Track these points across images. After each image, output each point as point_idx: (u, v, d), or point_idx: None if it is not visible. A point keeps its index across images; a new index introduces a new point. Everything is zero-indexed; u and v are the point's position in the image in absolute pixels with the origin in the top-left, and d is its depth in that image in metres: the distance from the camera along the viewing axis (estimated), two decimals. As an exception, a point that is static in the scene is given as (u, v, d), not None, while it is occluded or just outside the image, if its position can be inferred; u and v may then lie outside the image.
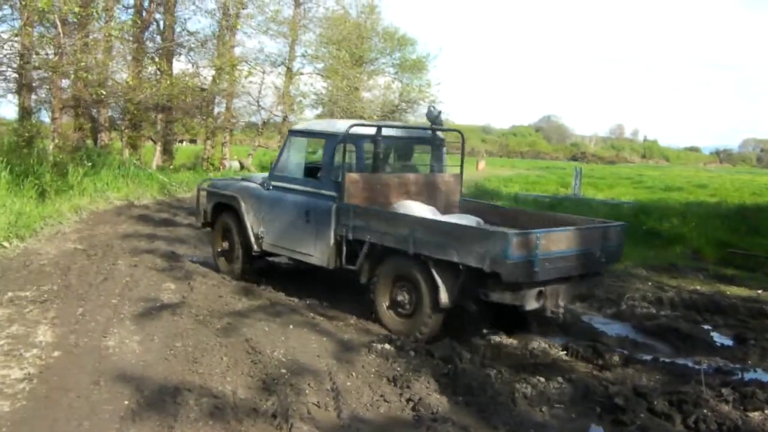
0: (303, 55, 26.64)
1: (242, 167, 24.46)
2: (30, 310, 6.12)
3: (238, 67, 23.05)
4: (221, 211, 8.30)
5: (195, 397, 4.36)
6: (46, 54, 15.15)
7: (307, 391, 4.54)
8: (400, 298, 6.31)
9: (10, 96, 18.63)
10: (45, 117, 20.09)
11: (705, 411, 4.51)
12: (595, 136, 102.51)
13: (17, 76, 16.93)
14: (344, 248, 6.74)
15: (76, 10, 12.98)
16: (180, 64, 23.90)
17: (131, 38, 20.24)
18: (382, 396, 4.59)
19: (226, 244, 8.24)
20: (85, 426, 3.96)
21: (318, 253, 6.98)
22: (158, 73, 20.88)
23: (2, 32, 15.29)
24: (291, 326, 6.05)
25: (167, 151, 24.01)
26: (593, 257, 6.18)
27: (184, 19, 22.84)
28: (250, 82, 23.99)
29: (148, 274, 7.70)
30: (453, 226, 6.16)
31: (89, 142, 20.93)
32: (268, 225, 7.59)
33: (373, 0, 28.38)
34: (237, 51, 24.40)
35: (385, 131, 7.27)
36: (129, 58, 20.60)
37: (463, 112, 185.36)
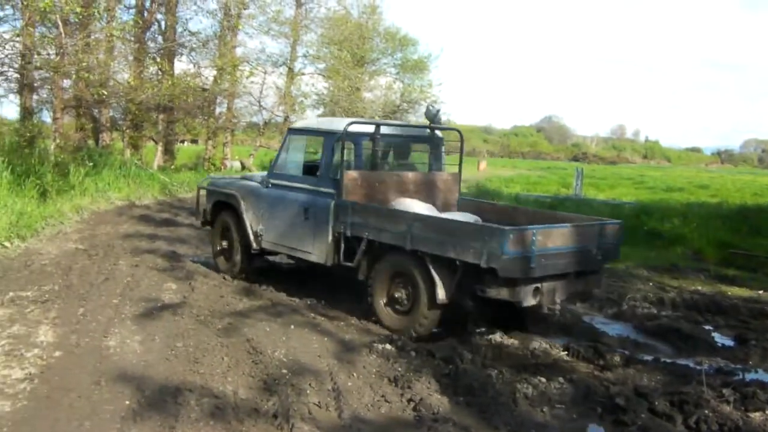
0: (304, 56, 26.71)
1: (243, 167, 24.45)
2: (31, 310, 6.13)
3: (240, 68, 23.10)
4: (221, 210, 8.31)
5: (196, 397, 4.36)
6: (48, 54, 15.16)
7: (308, 392, 4.54)
8: (397, 294, 6.34)
9: (11, 96, 18.73)
10: (46, 117, 20.20)
11: (706, 411, 4.51)
12: (596, 136, 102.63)
13: (19, 76, 16.95)
14: (342, 245, 6.77)
15: (78, 10, 13.01)
16: (181, 65, 24.03)
17: (133, 38, 20.28)
18: (383, 396, 4.59)
19: (225, 243, 8.24)
20: (86, 426, 3.96)
21: (316, 250, 7.00)
22: (160, 73, 20.91)
23: (4, 32, 15.31)
24: (292, 326, 6.05)
25: (168, 152, 24.03)
26: (590, 255, 6.20)
27: (186, 20, 23.00)
28: (252, 82, 24.07)
29: (149, 274, 7.71)
30: (450, 221, 6.20)
31: (90, 142, 20.98)
32: (267, 222, 7.60)
33: (374, 0, 28.46)
34: (238, 51, 24.48)
35: (383, 129, 7.32)
36: (130, 58, 20.66)
37: (464, 113, 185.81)
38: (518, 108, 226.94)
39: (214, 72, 22.50)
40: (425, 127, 7.84)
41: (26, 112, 18.35)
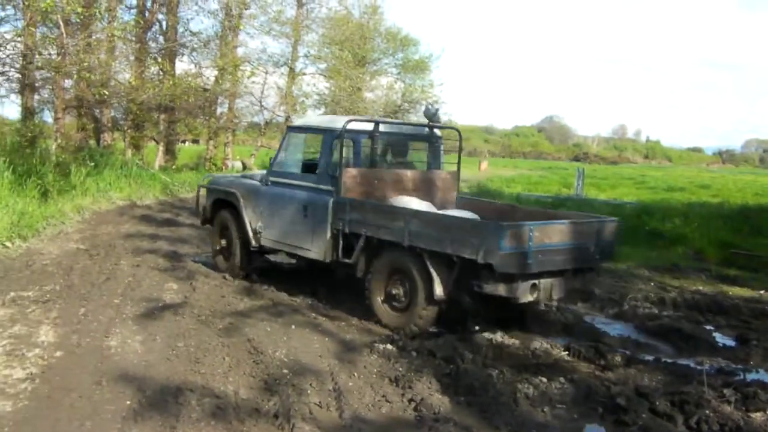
0: (306, 56, 26.72)
1: (245, 167, 24.45)
2: (32, 310, 6.14)
3: (241, 68, 23.11)
4: (220, 208, 8.32)
5: (197, 397, 4.36)
6: (49, 54, 15.17)
7: (309, 392, 4.54)
8: (395, 291, 6.36)
9: (13, 96, 18.71)
10: (48, 117, 20.20)
11: (707, 411, 4.50)
12: (597, 136, 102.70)
13: (20, 76, 16.94)
14: (341, 242, 6.79)
15: (79, 10, 13.04)
16: (183, 65, 24.08)
17: (134, 38, 20.30)
18: (384, 396, 4.60)
19: (224, 242, 8.24)
20: (87, 426, 3.97)
21: (315, 247, 7.01)
22: (161, 73, 20.94)
23: (5, 32, 15.36)
24: (293, 326, 6.06)
25: (170, 152, 24.05)
26: (587, 252, 6.21)
27: (187, 20, 23.00)
28: (253, 82, 24.10)
29: (150, 274, 7.71)
30: (447, 217, 6.22)
31: (92, 142, 21.01)
32: (266, 220, 7.61)
33: (375, 0, 28.45)
34: (240, 51, 24.48)
35: (382, 127, 7.36)
36: (132, 58, 20.69)
37: (465, 113, 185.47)
38: (519, 108, 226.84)
39: (216, 72, 22.54)
40: (424, 125, 7.86)
41: (28, 112, 18.35)
